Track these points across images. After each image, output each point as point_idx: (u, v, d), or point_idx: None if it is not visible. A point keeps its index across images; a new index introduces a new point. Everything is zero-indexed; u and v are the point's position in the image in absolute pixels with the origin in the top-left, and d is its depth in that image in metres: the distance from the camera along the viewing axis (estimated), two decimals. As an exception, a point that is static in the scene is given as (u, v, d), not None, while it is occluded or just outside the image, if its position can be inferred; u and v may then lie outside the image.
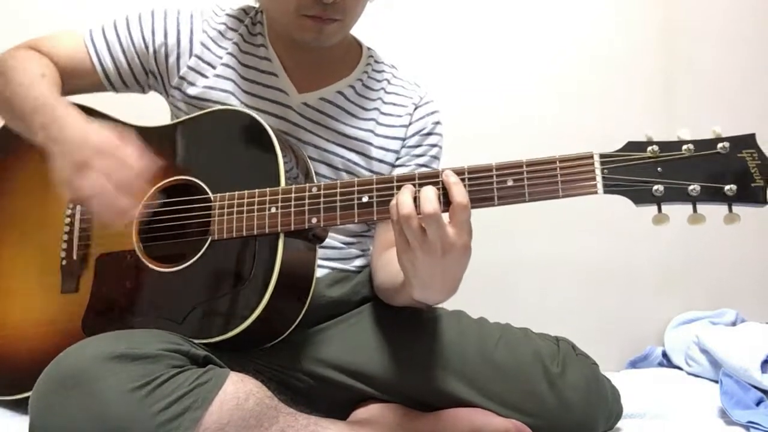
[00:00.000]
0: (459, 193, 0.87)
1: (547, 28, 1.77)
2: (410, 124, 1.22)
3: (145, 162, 0.95)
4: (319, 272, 1.15)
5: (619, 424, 1.17)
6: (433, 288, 0.94)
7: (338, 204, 0.95)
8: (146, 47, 1.15)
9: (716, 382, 1.41)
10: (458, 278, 0.93)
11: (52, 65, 1.12)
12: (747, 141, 0.82)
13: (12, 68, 1.08)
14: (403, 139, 1.21)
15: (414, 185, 0.90)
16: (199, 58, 1.15)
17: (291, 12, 1.06)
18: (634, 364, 1.72)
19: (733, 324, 1.68)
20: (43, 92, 1.03)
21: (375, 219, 0.94)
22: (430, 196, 0.86)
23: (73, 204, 1.11)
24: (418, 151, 1.22)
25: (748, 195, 0.81)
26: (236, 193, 1.00)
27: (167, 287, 1.01)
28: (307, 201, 0.96)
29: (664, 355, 1.70)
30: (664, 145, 0.84)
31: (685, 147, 0.83)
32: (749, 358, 1.39)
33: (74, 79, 1.15)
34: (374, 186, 0.94)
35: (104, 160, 0.93)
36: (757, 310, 1.72)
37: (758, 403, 1.32)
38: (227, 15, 1.20)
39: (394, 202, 0.88)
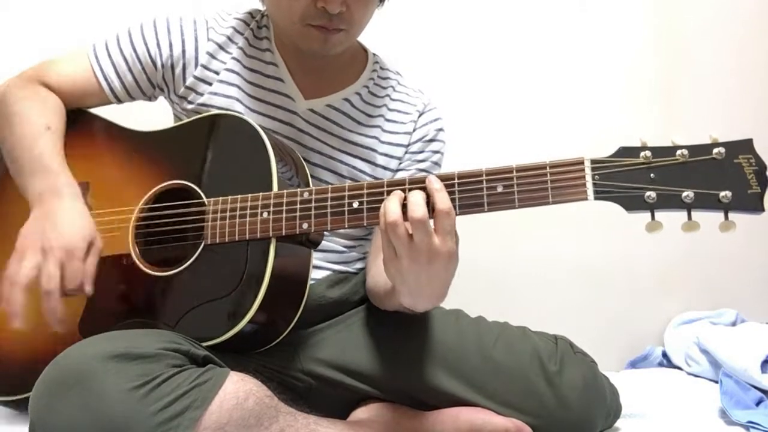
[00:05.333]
0: (441, 200, 0.83)
1: (545, 31, 1.72)
2: (414, 130, 1.19)
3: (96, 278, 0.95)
4: (320, 274, 1.13)
5: (619, 425, 1.14)
6: (420, 295, 0.91)
7: (329, 210, 0.92)
8: (153, 63, 1.11)
9: (716, 382, 1.37)
10: (446, 285, 0.90)
11: (58, 106, 1.09)
12: (743, 146, 0.77)
13: (17, 114, 1.05)
14: (407, 146, 1.18)
15: (404, 191, 0.86)
16: (205, 67, 1.11)
17: (296, 21, 1.03)
18: (634, 365, 1.68)
19: (733, 324, 1.64)
20: (44, 151, 1.01)
21: (365, 224, 0.91)
22: (418, 200, 0.83)
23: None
24: (420, 157, 1.18)
25: (744, 202, 0.76)
26: (229, 197, 0.97)
27: (161, 291, 0.98)
28: (298, 206, 0.93)
29: (664, 355, 1.66)
30: (658, 151, 0.79)
31: (679, 152, 0.78)
32: (749, 358, 1.34)
33: (83, 100, 1.12)
34: (365, 192, 0.90)
35: (54, 262, 0.91)
36: (757, 310, 1.68)
37: (758, 403, 1.27)
38: (234, 19, 1.15)
39: (382, 210, 0.85)
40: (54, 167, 1.00)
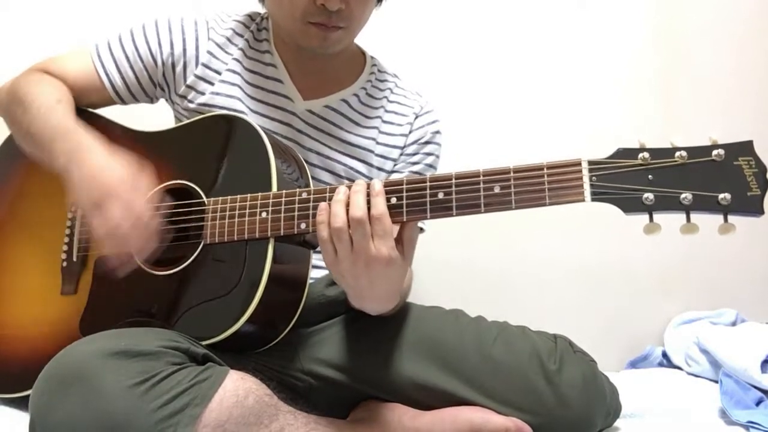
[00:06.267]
0: (374, 205, 0.85)
1: (543, 30, 1.71)
2: (410, 132, 1.19)
3: (157, 200, 0.95)
4: (318, 273, 1.13)
5: (619, 424, 1.12)
6: (363, 298, 0.92)
7: None
8: (154, 61, 1.11)
9: (716, 382, 1.36)
10: (389, 291, 0.92)
11: (65, 88, 1.09)
12: (743, 148, 0.76)
13: (28, 94, 1.06)
14: (402, 148, 1.18)
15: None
16: (206, 66, 1.12)
17: (297, 19, 1.03)
18: (634, 364, 1.66)
19: (733, 324, 1.62)
20: (60, 119, 1.01)
21: None
22: (359, 201, 0.84)
23: (74, 211, 1.08)
24: (414, 159, 1.19)
25: (744, 204, 0.74)
26: (229, 197, 0.96)
27: (161, 290, 0.98)
28: (296, 206, 0.92)
29: (664, 355, 1.64)
30: (656, 152, 0.77)
31: (677, 154, 0.76)
32: (749, 358, 1.32)
33: (85, 98, 1.12)
34: None
35: (121, 199, 0.92)
36: (757, 310, 1.66)
37: (758, 403, 1.26)
38: (234, 21, 1.16)
39: (325, 213, 0.86)
40: (71, 128, 1.00)
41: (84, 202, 0.94)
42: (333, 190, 0.90)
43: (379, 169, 1.17)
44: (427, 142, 1.20)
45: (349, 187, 0.87)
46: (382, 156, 1.17)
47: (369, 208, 0.85)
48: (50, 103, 1.04)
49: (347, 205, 0.86)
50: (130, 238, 0.92)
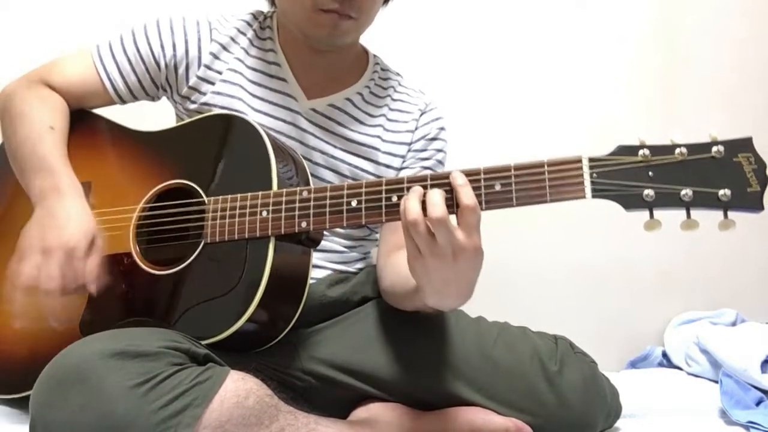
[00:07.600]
0: (466, 195, 0.81)
1: (543, 28, 1.71)
2: (416, 129, 1.18)
3: (98, 276, 0.95)
4: (320, 273, 1.12)
5: (619, 424, 1.12)
6: (446, 294, 0.88)
7: (327, 208, 0.90)
8: (156, 64, 1.10)
9: (716, 382, 1.35)
10: (472, 283, 0.87)
11: (63, 106, 1.09)
12: (743, 144, 0.76)
13: (21, 114, 1.05)
14: (409, 144, 1.18)
15: (424, 187, 0.83)
16: (208, 67, 1.11)
17: (308, 7, 1.02)
18: (634, 365, 1.65)
19: (733, 324, 1.61)
20: (48, 152, 1.01)
21: (363, 223, 0.90)
22: (436, 200, 0.80)
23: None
24: (423, 155, 1.18)
25: (744, 200, 0.74)
26: (229, 196, 0.96)
27: (161, 290, 0.97)
28: (297, 205, 0.92)
29: (664, 355, 1.64)
30: (656, 149, 0.77)
31: (677, 151, 0.76)
32: (749, 358, 1.32)
33: (86, 101, 1.12)
34: (363, 190, 0.89)
35: (67, 259, 0.92)
36: (757, 310, 1.65)
37: (758, 403, 1.25)
38: (237, 20, 1.15)
39: (401, 208, 0.83)
40: (56, 166, 1.00)
41: (27, 238, 0.94)
42: (333, 189, 0.90)
43: (387, 166, 1.16)
44: (434, 138, 1.19)
45: (423, 186, 0.84)
46: (389, 153, 1.16)
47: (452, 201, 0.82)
48: (41, 130, 1.03)
49: (422, 197, 0.83)
50: (55, 294, 0.92)
